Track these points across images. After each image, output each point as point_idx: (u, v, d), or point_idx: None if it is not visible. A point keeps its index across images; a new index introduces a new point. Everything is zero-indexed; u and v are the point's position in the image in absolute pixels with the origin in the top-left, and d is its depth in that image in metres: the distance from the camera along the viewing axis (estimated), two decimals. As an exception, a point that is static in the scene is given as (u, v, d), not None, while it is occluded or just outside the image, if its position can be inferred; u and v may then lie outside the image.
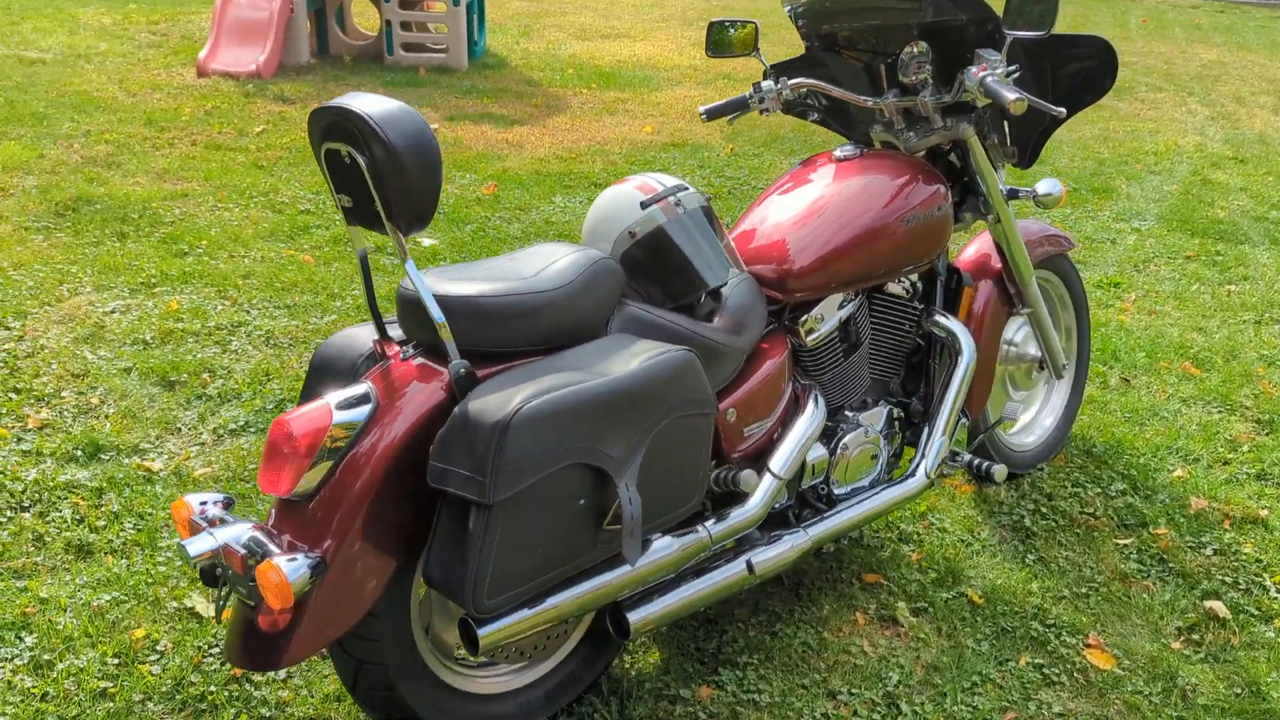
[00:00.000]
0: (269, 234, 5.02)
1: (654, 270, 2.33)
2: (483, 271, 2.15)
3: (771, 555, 2.41)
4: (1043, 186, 2.97)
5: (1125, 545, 2.99)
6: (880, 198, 2.63)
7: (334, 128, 1.95)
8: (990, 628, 2.65)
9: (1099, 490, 3.22)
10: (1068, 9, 12.59)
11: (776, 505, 2.53)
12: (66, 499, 2.96)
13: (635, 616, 2.20)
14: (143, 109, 7.07)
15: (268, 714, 2.27)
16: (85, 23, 9.99)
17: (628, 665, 2.49)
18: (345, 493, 1.93)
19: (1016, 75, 2.63)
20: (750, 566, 2.37)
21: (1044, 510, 3.12)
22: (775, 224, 2.61)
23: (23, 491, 2.99)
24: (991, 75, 2.55)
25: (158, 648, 2.42)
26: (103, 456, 3.20)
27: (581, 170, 6.06)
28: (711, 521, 2.31)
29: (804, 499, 2.61)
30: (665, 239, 2.31)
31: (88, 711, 2.24)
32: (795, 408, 2.52)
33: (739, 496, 2.36)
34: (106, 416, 3.43)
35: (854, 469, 2.65)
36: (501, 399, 1.88)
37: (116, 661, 2.37)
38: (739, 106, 2.89)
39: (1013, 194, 2.95)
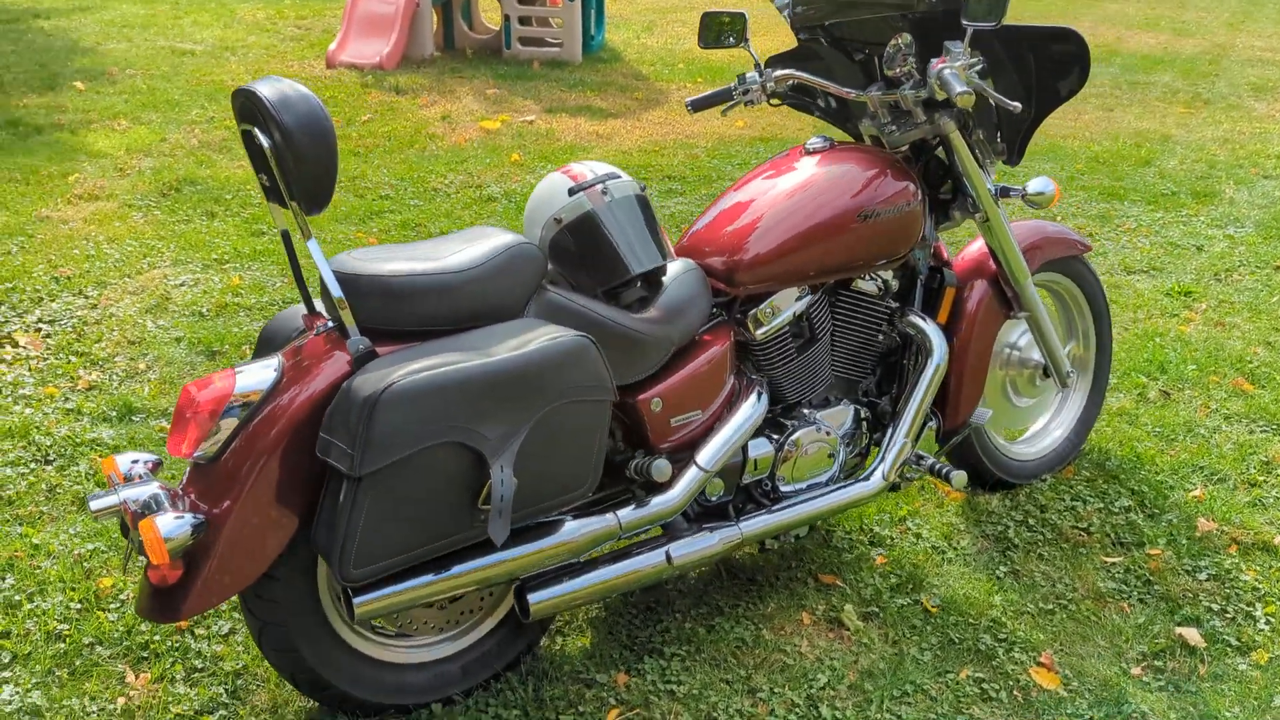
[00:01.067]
0: (344, 217, 5.24)
1: (579, 256, 2.35)
2: (404, 252, 2.22)
3: (693, 548, 2.41)
4: (1034, 185, 2.86)
5: (1112, 564, 2.85)
6: (838, 191, 2.58)
7: (245, 109, 2.05)
8: (938, 638, 2.58)
9: (1100, 505, 3.07)
10: (1231, 2, 11.89)
11: (715, 498, 2.53)
12: (86, 455, 3.19)
13: (535, 598, 2.24)
14: (266, 97, 7.44)
15: (200, 665, 2.41)
16: (241, 17, 10.53)
17: (556, 646, 2.53)
18: (244, 458, 2.03)
19: (979, 68, 2.55)
20: (669, 557, 2.38)
21: (1032, 522, 3.00)
22: (730, 216, 2.60)
23: (50, 445, 3.24)
24: (949, 68, 2.48)
25: (120, 597, 2.60)
26: (134, 418, 3.43)
27: (661, 164, 6.10)
28: (628, 509, 2.32)
29: (749, 493, 2.59)
30: (590, 225, 2.34)
31: (39, 650, 2.42)
32: (736, 401, 2.51)
33: (661, 486, 2.37)
34: (148, 381, 3.66)
35: (804, 467, 2.61)
36: (380, 375, 1.95)
37: (79, 607, 2.56)
38: (724, 98, 2.89)
39: (1004, 192, 2.85)
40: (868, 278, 2.72)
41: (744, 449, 2.53)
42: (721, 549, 2.45)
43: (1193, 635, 2.58)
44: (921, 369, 2.72)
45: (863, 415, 2.75)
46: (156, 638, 2.47)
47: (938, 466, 2.73)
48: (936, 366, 2.71)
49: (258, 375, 2.07)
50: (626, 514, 2.31)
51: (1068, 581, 2.78)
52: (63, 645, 2.44)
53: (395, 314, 2.12)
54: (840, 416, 2.70)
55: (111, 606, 2.56)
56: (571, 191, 2.35)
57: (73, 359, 3.81)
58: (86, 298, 4.31)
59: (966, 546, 2.91)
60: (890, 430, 2.72)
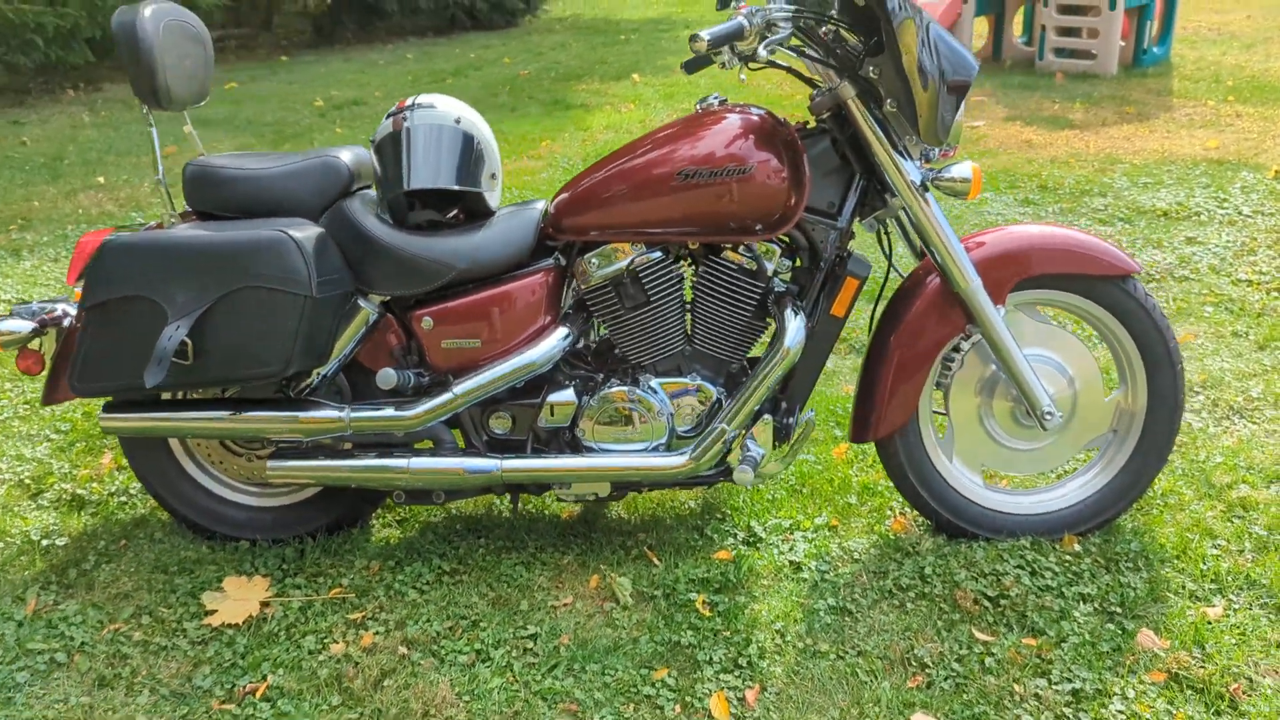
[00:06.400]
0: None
1: (378, 175, 2.56)
2: (263, 155, 2.64)
3: (432, 466, 2.50)
4: (954, 170, 2.39)
5: (974, 642, 2.29)
6: (673, 148, 2.44)
7: None
8: (675, 638, 2.33)
9: (1047, 585, 2.43)
10: None
11: (500, 432, 2.57)
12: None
13: (272, 464, 2.55)
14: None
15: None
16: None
17: (373, 532, 2.77)
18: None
19: (788, 14, 2.26)
20: (409, 467, 2.51)
21: (931, 574, 2.48)
22: (594, 165, 2.59)
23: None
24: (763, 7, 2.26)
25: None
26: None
27: (1041, 174, 5.50)
28: (367, 410, 2.50)
29: (551, 437, 2.58)
30: (386, 146, 2.53)
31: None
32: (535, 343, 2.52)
33: (416, 399, 2.51)
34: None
35: (610, 427, 2.52)
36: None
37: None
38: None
39: (935, 180, 2.44)
40: (742, 250, 2.51)
41: (543, 393, 2.54)
42: (472, 478, 2.49)
43: (938, 731, 2.04)
44: (768, 357, 2.45)
45: (717, 396, 2.54)
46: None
47: (746, 457, 2.45)
48: (781, 357, 2.42)
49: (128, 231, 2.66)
50: (358, 413, 2.49)
51: (889, 639, 2.31)
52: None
53: (213, 200, 2.55)
54: (678, 388, 2.54)
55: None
56: (388, 116, 2.58)
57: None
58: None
59: (832, 574, 2.52)
60: (721, 412, 2.49)
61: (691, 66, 2.76)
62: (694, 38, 2.17)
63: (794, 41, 2.45)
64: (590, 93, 8.36)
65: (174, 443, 2.73)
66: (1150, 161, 5.66)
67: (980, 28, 8.99)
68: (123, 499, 2.94)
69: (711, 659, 2.27)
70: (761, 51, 2.23)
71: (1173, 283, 4.11)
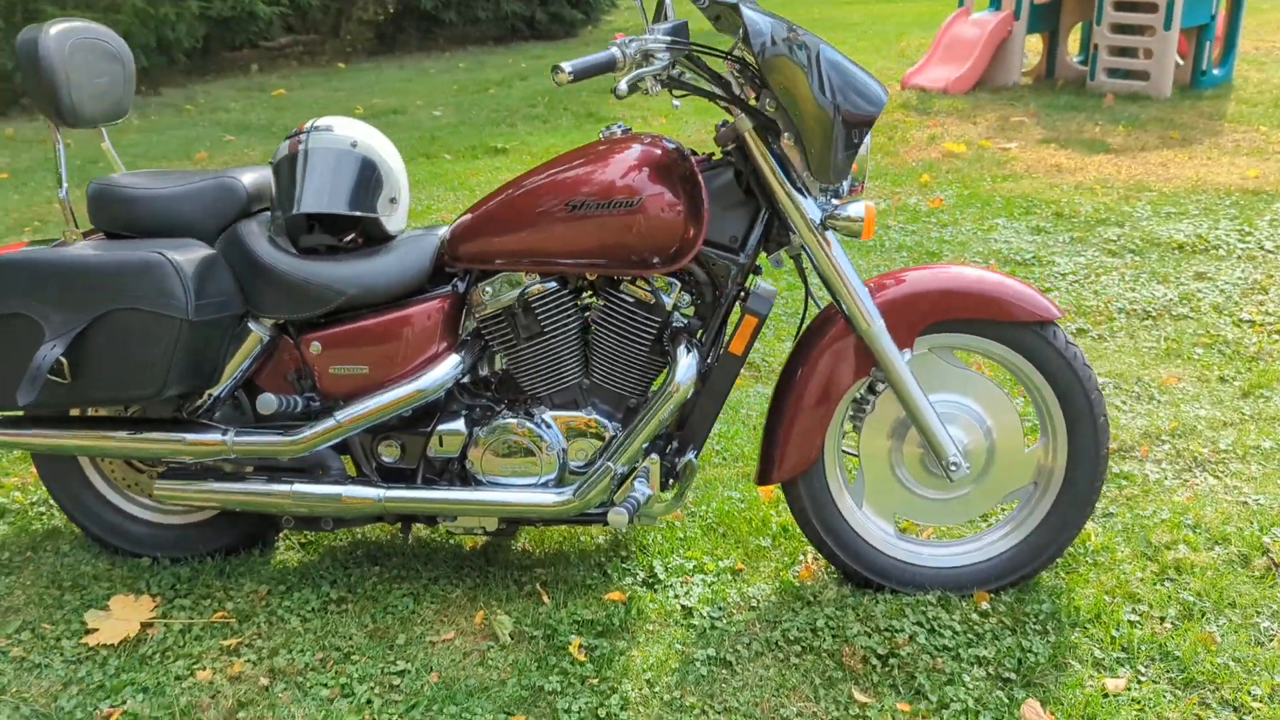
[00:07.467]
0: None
1: (274, 198, 2.52)
2: (168, 174, 2.62)
3: (314, 490, 2.45)
4: (851, 208, 2.27)
5: (856, 704, 2.16)
6: (565, 177, 2.35)
7: None
8: (541, 683, 2.24)
9: (944, 645, 2.29)
10: None
11: (390, 460, 2.51)
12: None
13: (160, 484, 2.52)
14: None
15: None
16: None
17: (277, 555, 2.73)
18: None
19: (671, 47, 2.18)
20: (292, 493, 2.47)
21: (823, 627, 2.35)
22: (493, 193, 2.52)
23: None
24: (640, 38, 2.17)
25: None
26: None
27: (1060, 201, 5.28)
28: (250, 435, 2.45)
29: (443, 467, 2.52)
30: (281, 168, 2.48)
31: None
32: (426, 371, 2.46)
33: (310, 421, 2.46)
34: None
35: (498, 459, 2.44)
36: None
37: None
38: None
39: (830, 218, 2.32)
40: (641, 284, 2.42)
41: (434, 422, 2.48)
42: (353, 506, 2.45)
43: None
44: (658, 395, 2.35)
45: (613, 431, 2.45)
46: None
47: (628, 499, 2.35)
48: (670, 393, 2.33)
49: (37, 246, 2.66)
50: (241, 438, 2.45)
51: (760, 695, 2.19)
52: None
53: (112, 219, 2.53)
54: (572, 422, 2.46)
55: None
56: (286, 138, 2.54)
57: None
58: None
59: (723, 622, 2.41)
60: (608, 451, 2.40)
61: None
62: (555, 69, 2.09)
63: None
64: (626, 105, 8.29)
65: (85, 462, 2.73)
66: (1180, 190, 5.41)
67: (1035, 45, 8.73)
68: (42, 509, 2.95)
69: (571, 708, 2.18)
70: (622, 86, 2.13)
71: (1168, 321, 3.90)
